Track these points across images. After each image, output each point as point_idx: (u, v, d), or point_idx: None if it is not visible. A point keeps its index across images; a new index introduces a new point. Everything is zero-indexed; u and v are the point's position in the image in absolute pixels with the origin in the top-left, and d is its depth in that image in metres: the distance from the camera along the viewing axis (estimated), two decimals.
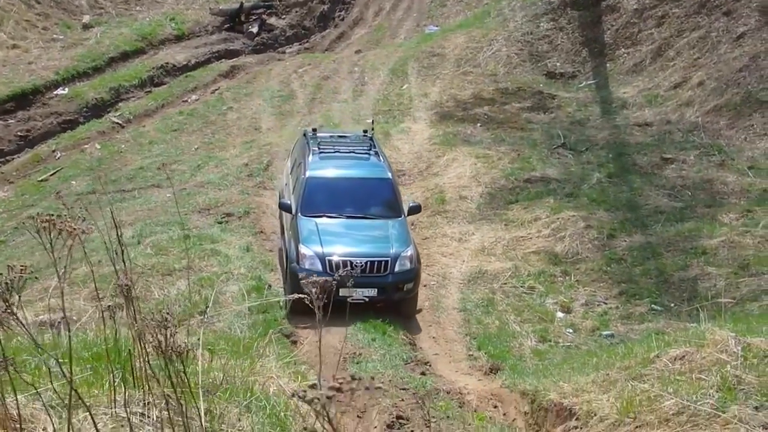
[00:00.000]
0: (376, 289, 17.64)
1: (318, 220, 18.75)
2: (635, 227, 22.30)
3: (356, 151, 21.23)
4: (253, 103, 35.34)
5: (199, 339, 6.26)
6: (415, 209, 20.22)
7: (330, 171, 20.15)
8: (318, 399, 3.23)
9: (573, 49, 35.16)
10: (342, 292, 15.58)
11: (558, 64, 34.87)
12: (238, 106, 35.27)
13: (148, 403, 5.46)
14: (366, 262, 17.65)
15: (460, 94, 33.25)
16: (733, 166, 25.25)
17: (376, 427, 10.23)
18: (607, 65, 34.00)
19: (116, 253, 5.40)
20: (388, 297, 17.97)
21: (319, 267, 17.18)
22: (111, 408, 5.42)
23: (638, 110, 30.37)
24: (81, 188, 27.84)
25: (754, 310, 16.62)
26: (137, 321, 4.07)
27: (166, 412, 4.13)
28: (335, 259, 17.50)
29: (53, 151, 32.54)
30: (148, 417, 5.39)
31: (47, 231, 3.46)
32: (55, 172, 30.52)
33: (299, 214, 18.78)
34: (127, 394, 5.74)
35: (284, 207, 19.76)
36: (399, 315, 18.32)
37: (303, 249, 17.71)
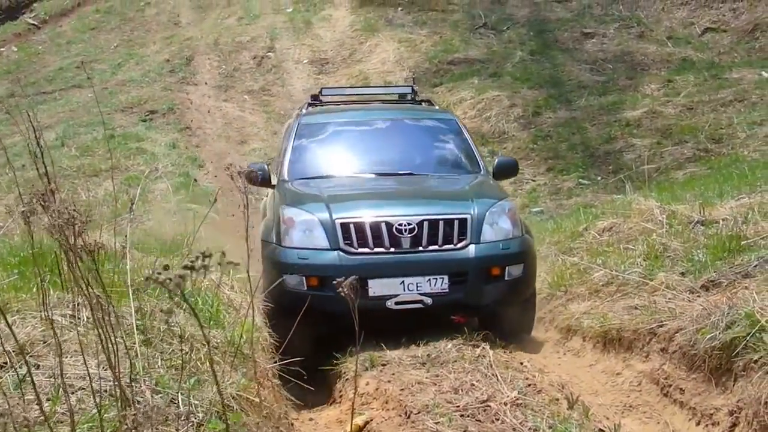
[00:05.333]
0: (445, 278, 8.71)
1: (320, 181, 10.21)
2: (559, 103, 22.33)
3: (389, 94, 14.31)
4: None
5: (126, 237, 6.16)
6: (507, 167, 10.93)
7: (340, 114, 12.06)
8: (170, 279, 3.10)
9: None
10: (374, 289, 8.57)
11: None
12: (155, 1, 34.57)
13: (78, 304, 5.38)
14: (421, 222, 8.82)
15: None
16: (653, 36, 25.38)
17: None
18: None
19: (36, 156, 5.25)
20: (471, 296, 8.89)
21: (322, 240, 8.79)
22: (40, 311, 5.33)
23: None
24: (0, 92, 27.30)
25: (678, 178, 16.81)
26: (52, 222, 3.95)
27: (95, 313, 4.04)
28: (356, 220, 8.87)
29: None
30: (78, 318, 5.32)
31: None
32: None
33: (285, 180, 10.32)
34: (55, 297, 5.66)
35: (255, 176, 9.77)
36: (500, 330, 8.90)
37: (288, 212, 9.16)
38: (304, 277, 8.61)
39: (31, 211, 4.55)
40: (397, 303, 8.55)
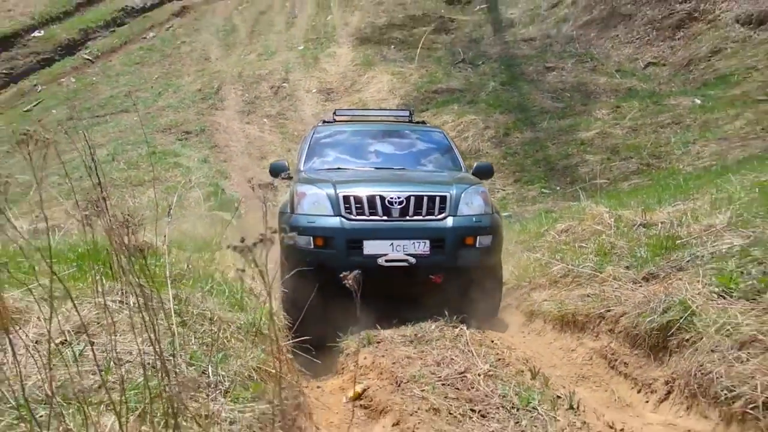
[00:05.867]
0: (427, 242, 8.85)
1: (329, 172, 10.40)
2: (525, 125, 22.35)
3: (388, 115, 14.11)
4: (202, 37, 34.69)
5: (165, 237, 6.19)
6: (484, 169, 11.00)
7: (347, 126, 12.20)
8: (247, 247, 3.37)
9: None
10: (368, 248, 8.78)
11: None
12: (189, 40, 34.60)
13: (126, 292, 5.41)
14: (409, 197, 9.03)
15: (376, 21, 32.90)
16: (603, 70, 25.39)
17: None
18: None
19: (91, 169, 5.29)
20: (448, 258, 8.92)
21: (328, 209, 9.01)
22: (94, 298, 5.36)
23: (524, 28, 30.26)
24: (60, 116, 27.34)
25: (624, 188, 16.82)
26: (109, 224, 4.00)
27: (140, 299, 4.08)
28: (355, 194, 9.05)
29: (35, 85, 31.90)
30: (126, 303, 5.35)
31: (26, 143, 3.40)
32: (37, 103, 29.89)
33: (300, 171, 10.62)
34: (107, 285, 5.69)
35: (276, 170, 10.69)
36: (472, 303, 9.09)
37: (301, 188, 9.39)
38: (311, 237, 8.81)
39: (87, 216, 4.60)
40: (386, 261, 8.67)
